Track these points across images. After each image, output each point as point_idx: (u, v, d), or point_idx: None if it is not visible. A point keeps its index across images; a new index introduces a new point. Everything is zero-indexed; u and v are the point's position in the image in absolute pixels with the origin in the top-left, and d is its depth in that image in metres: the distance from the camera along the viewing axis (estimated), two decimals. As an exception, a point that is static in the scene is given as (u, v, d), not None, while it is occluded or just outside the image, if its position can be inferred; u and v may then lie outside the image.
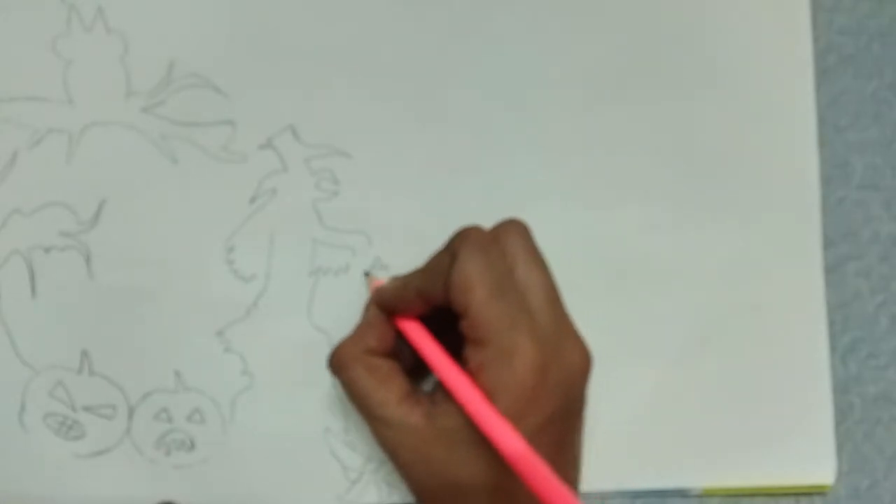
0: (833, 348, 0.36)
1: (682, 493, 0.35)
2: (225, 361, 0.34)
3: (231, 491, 0.34)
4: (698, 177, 0.36)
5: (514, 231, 0.30)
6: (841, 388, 0.36)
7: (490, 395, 0.27)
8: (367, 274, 0.34)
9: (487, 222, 0.35)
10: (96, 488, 0.33)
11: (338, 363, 0.31)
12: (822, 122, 0.37)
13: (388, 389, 0.29)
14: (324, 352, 0.34)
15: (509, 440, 0.26)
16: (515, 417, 0.27)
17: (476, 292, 0.28)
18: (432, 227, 0.34)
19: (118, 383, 0.33)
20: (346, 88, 0.35)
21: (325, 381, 0.34)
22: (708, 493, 0.35)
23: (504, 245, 0.29)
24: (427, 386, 0.33)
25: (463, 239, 0.29)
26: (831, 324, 0.36)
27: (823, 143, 0.37)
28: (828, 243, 0.37)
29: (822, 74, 0.37)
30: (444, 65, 0.35)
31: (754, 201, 0.36)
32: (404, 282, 0.31)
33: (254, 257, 0.34)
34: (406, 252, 0.34)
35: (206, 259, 0.34)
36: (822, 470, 0.35)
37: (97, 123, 0.34)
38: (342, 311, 0.34)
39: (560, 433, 0.28)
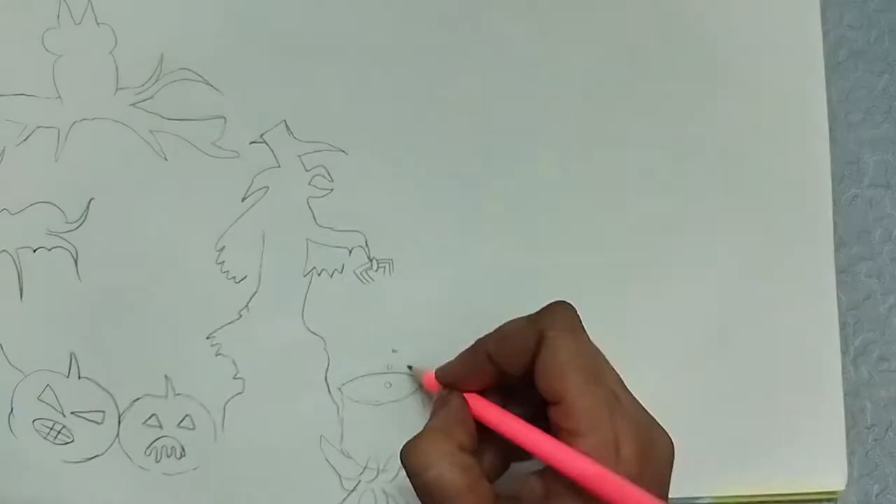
0: (844, 351, 0.36)
1: (691, 502, 0.35)
2: (216, 365, 0.34)
3: (222, 500, 0.34)
4: (707, 175, 0.36)
5: (577, 315, 0.28)
6: (852, 392, 0.36)
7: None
8: (410, 368, 0.34)
9: (487, 221, 0.35)
10: (85, 495, 0.33)
11: (421, 461, 0.27)
12: (833, 118, 0.37)
13: (478, 493, 0.27)
14: (319, 355, 0.34)
15: None
16: None
17: (573, 379, 0.27)
18: (430, 226, 0.35)
19: (107, 388, 0.34)
20: (341, 83, 0.35)
21: (320, 387, 0.34)
22: (718, 502, 0.35)
23: None
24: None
25: (551, 317, 0.28)
26: (843, 326, 0.36)
27: (834, 139, 0.37)
28: (840, 243, 0.37)
29: (833, 70, 0.37)
30: (442, 60, 0.35)
31: (765, 200, 0.36)
32: (473, 348, 0.30)
33: (246, 257, 0.34)
34: (404, 251, 0.35)
35: (196, 259, 0.34)
36: (832, 476, 0.35)
37: (86, 119, 0.34)
38: (337, 312, 0.34)
39: None
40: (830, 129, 0.36)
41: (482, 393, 0.30)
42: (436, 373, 0.31)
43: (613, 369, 0.29)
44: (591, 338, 0.29)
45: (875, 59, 0.38)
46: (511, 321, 0.29)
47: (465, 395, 0.30)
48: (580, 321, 0.28)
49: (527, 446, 0.28)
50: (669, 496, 0.35)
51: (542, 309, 0.29)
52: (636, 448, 0.26)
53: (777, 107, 0.36)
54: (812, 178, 0.36)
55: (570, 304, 0.28)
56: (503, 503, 0.27)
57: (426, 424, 0.29)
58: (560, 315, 0.28)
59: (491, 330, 0.33)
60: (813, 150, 0.36)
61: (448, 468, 0.27)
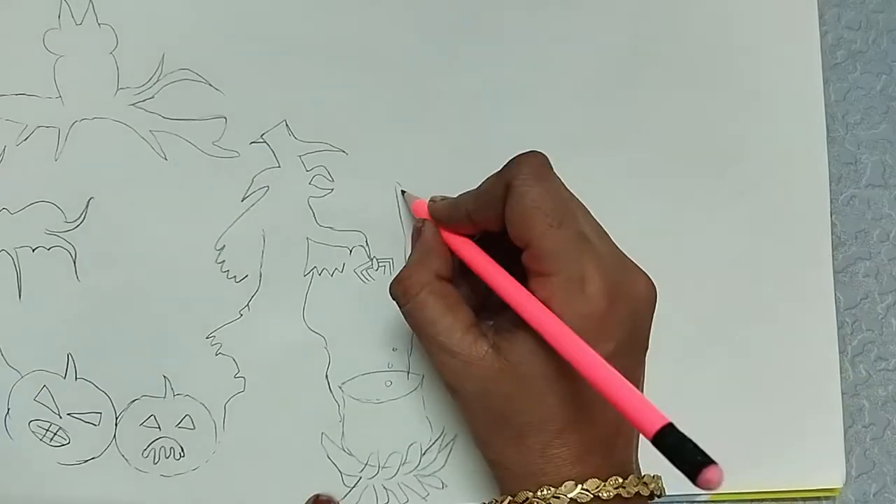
0: (842, 351, 0.37)
1: (689, 499, 0.36)
2: (216, 365, 0.34)
3: (223, 500, 0.34)
4: (705, 175, 0.37)
5: (547, 163, 0.30)
6: (850, 391, 0.37)
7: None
8: (403, 192, 0.35)
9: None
10: (81, 497, 0.34)
11: (405, 289, 0.30)
12: (831, 118, 0.38)
13: (455, 317, 0.29)
14: (320, 354, 0.35)
15: (592, 360, 0.26)
16: (590, 344, 0.26)
17: (537, 223, 0.28)
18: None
19: (104, 388, 0.34)
20: (341, 83, 0.35)
21: (321, 385, 0.35)
22: (716, 499, 0.36)
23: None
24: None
25: (517, 168, 0.29)
26: (841, 325, 0.37)
27: (832, 140, 0.38)
28: (837, 243, 0.38)
29: (831, 70, 0.38)
30: (442, 59, 0.36)
31: (762, 200, 0.37)
32: (455, 202, 0.31)
33: (246, 256, 0.35)
34: (403, 251, 0.35)
35: (196, 259, 0.34)
36: (831, 474, 0.36)
37: (86, 119, 0.34)
38: (338, 311, 0.35)
39: (626, 366, 0.28)
40: (828, 130, 0.37)
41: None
42: (428, 203, 0.32)
43: (587, 213, 0.30)
44: None
45: (873, 60, 0.38)
46: (486, 178, 0.31)
47: (455, 244, 0.31)
48: (549, 167, 0.29)
49: (488, 282, 0.30)
50: (668, 493, 0.36)
51: (510, 160, 0.30)
52: (604, 286, 0.28)
53: (775, 107, 0.37)
54: (810, 179, 0.37)
55: (538, 153, 0.29)
56: (478, 328, 0.30)
57: (409, 257, 0.32)
58: (526, 164, 0.29)
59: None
60: (811, 150, 0.37)
61: (426, 295, 0.30)
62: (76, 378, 0.34)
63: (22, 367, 0.34)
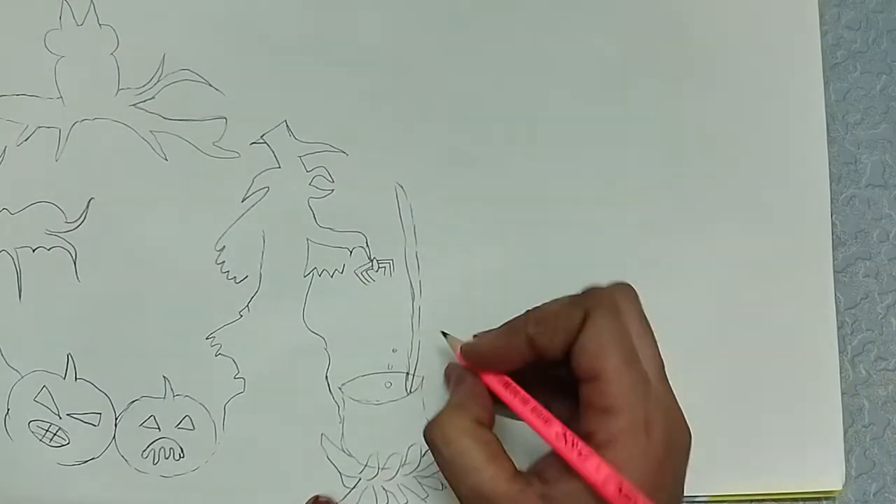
0: (842, 351, 0.38)
1: (688, 501, 0.36)
2: (216, 365, 0.35)
3: (222, 501, 0.35)
4: (704, 175, 0.37)
5: (628, 297, 0.29)
6: (850, 391, 0.38)
7: (621, 468, 0.27)
8: (445, 334, 0.34)
9: (487, 221, 0.36)
10: (80, 498, 0.34)
11: (442, 436, 0.29)
12: (831, 118, 0.38)
13: (500, 465, 0.28)
14: (319, 354, 0.35)
15: None
16: (648, 494, 0.26)
17: (613, 357, 0.28)
18: (430, 226, 0.36)
19: (104, 389, 0.34)
20: (342, 83, 0.36)
21: (321, 386, 0.35)
22: (715, 501, 0.36)
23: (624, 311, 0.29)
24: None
25: (597, 299, 0.29)
26: (841, 325, 0.37)
27: (832, 140, 0.38)
28: (837, 243, 0.38)
29: (831, 70, 0.39)
30: (442, 61, 0.36)
31: (762, 200, 0.37)
32: (510, 330, 0.30)
33: (246, 257, 0.35)
34: (403, 252, 0.36)
35: (196, 259, 0.35)
36: (830, 475, 0.36)
37: (87, 119, 0.35)
38: (338, 312, 0.35)
39: None
40: (828, 130, 0.38)
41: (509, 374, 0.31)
42: (462, 349, 0.32)
43: (657, 354, 0.29)
44: None
45: (873, 60, 0.39)
46: (552, 301, 0.30)
47: (492, 383, 0.31)
48: (629, 301, 0.29)
49: (539, 430, 0.29)
50: None
51: (588, 289, 0.30)
52: (664, 433, 0.28)
53: (775, 107, 0.37)
54: (810, 179, 0.37)
55: (628, 286, 0.30)
56: (524, 477, 0.28)
57: (447, 401, 0.31)
58: (607, 297, 0.29)
59: (486, 328, 0.34)
60: (811, 150, 0.37)
61: (468, 442, 0.29)
62: (76, 378, 0.34)
63: (22, 368, 0.34)
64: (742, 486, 0.36)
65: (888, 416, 0.38)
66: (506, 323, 0.31)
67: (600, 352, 0.28)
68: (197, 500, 0.35)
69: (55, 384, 0.34)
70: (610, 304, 0.29)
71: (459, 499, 0.29)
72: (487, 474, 0.28)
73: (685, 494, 0.36)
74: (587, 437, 0.28)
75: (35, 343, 0.34)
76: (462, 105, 0.36)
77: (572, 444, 0.28)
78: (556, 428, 0.29)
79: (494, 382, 0.31)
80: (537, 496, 0.28)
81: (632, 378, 0.28)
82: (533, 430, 0.29)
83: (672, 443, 0.28)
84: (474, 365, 0.31)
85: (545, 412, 0.29)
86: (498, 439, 0.29)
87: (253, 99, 0.35)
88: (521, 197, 0.36)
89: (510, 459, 0.29)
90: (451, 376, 0.32)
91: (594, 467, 0.27)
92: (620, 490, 0.26)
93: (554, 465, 0.29)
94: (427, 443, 0.30)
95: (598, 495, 0.27)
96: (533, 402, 0.30)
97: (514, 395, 0.30)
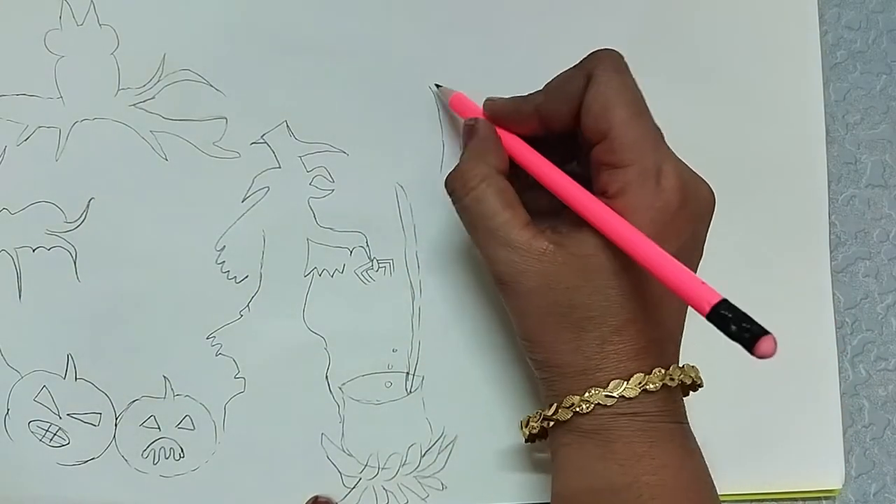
0: (842, 351, 0.38)
1: None
2: (216, 365, 0.35)
3: (222, 501, 0.35)
4: (704, 175, 0.36)
5: (624, 61, 0.30)
6: (850, 391, 0.38)
7: (630, 216, 0.28)
8: (438, 86, 0.35)
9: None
10: (80, 498, 0.35)
11: (463, 181, 0.30)
12: (830, 118, 0.38)
13: (515, 212, 0.30)
14: (320, 355, 0.36)
15: (650, 246, 0.27)
16: (655, 239, 0.27)
17: (618, 112, 0.28)
18: (430, 226, 0.36)
19: (104, 389, 0.35)
20: (342, 83, 0.36)
21: (321, 386, 0.35)
22: (715, 501, 0.37)
23: None
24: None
25: (598, 60, 0.30)
26: (841, 325, 0.38)
27: (832, 140, 0.38)
28: (837, 243, 0.38)
29: (831, 70, 0.39)
30: (443, 60, 0.36)
31: (761, 200, 0.37)
32: (522, 98, 0.32)
33: (246, 257, 0.35)
34: (403, 252, 0.36)
35: (196, 259, 0.35)
36: (830, 475, 0.37)
37: (87, 119, 0.35)
38: (338, 312, 0.36)
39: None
40: (828, 130, 0.38)
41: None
42: (485, 102, 0.33)
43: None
44: None
45: (873, 60, 0.39)
46: (558, 74, 0.31)
47: (503, 132, 0.32)
48: (625, 63, 0.30)
49: (546, 180, 0.30)
50: None
51: (589, 55, 0.30)
52: (678, 183, 0.28)
53: (775, 107, 0.38)
54: (809, 179, 0.37)
55: (615, 51, 0.30)
56: (536, 227, 0.30)
57: (464, 151, 0.32)
58: (608, 57, 0.30)
59: (487, 327, 0.35)
60: (810, 150, 0.38)
61: (486, 188, 0.30)
62: (76, 378, 0.35)
63: (22, 368, 0.35)
64: (742, 485, 0.37)
65: (888, 417, 0.38)
66: (522, 96, 0.32)
67: (606, 106, 0.29)
68: (197, 500, 0.35)
69: (55, 384, 0.35)
70: (611, 63, 0.30)
71: (476, 244, 0.31)
72: (503, 218, 0.29)
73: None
74: (600, 196, 0.29)
75: (35, 343, 0.35)
76: (462, 105, 0.37)
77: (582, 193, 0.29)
78: (565, 179, 0.30)
79: (509, 138, 0.32)
80: (550, 241, 0.29)
81: (640, 129, 0.29)
82: (544, 184, 0.30)
83: (688, 195, 0.29)
84: (490, 117, 0.32)
85: (555, 167, 0.30)
86: (513, 189, 0.30)
87: (253, 99, 0.36)
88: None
89: (524, 209, 0.30)
90: (466, 129, 0.33)
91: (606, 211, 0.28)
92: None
93: (564, 218, 0.30)
94: (448, 192, 0.31)
95: (607, 241, 0.28)
96: (544, 159, 0.31)
97: (527, 150, 0.31)
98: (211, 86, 0.36)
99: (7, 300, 0.35)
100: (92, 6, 0.35)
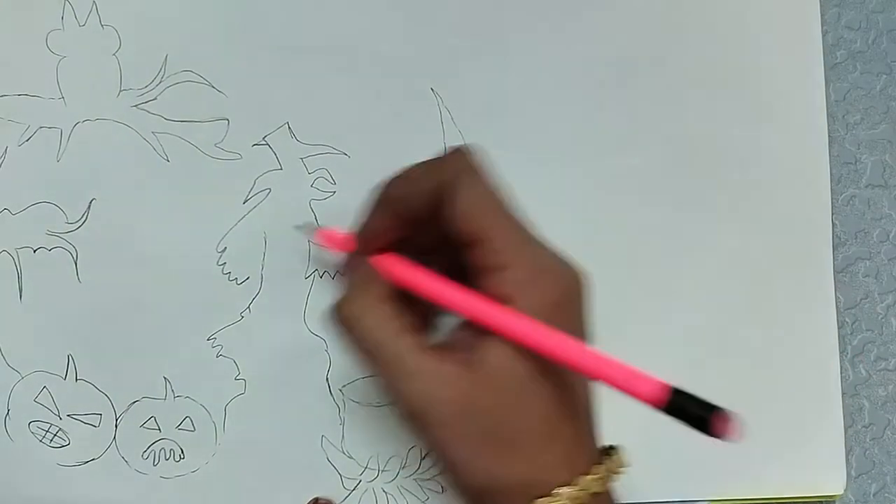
0: (842, 351, 0.38)
1: (690, 503, 0.37)
2: (217, 367, 0.36)
3: (223, 502, 0.35)
4: (706, 175, 0.38)
5: (481, 162, 0.29)
6: (850, 392, 0.38)
7: (535, 316, 0.27)
8: (299, 227, 0.34)
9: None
10: (80, 499, 0.35)
11: (346, 315, 0.28)
12: (831, 118, 0.39)
13: (413, 338, 0.27)
14: (320, 357, 0.36)
15: (577, 347, 0.26)
16: (566, 333, 0.26)
17: (491, 215, 0.27)
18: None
19: (104, 390, 0.35)
20: (343, 85, 0.36)
21: (322, 388, 0.36)
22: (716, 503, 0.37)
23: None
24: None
25: (457, 164, 0.28)
26: (841, 325, 0.38)
27: (832, 140, 0.39)
28: (837, 243, 0.39)
29: (831, 70, 0.39)
30: (445, 63, 0.37)
31: (762, 200, 0.38)
32: (379, 203, 0.30)
33: (247, 258, 0.36)
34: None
35: (197, 260, 0.35)
36: (831, 479, 0.37)
37: (88, 120, 0.35)
38: None
39: None
40: (828, 130, 0.38)
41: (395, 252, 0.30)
42: (356, 235, 0.31)
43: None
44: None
45: (873, 60, 0.40)
46: (408, 171, 0.30)
47: (382, 257, 0.30)
48: (482, 163, 0.29)
49: (443, 302, 0.29)
50: (668, 498, 0.37)
51: (442, 157, 0.29)
52: (556, 276, 0.28)
53: (776, 107, 0.38)
54: (810, 179, 0.38)
55: (468, 149, 0.29)
56: (440, 349, 0.28)
57: (346, 286, 0.30)
58: (467, 156, 0.29)
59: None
60: (811, 150, 0.38)
61: (375, 319, 0.28)
62: (76, 379, 0.35)
63: (22, 368, 0.35)
64: (741, 487, 0.37)
65: (888, 417, 0.38)
66: (374, 198, 0.30)
67: (478, 210, 0.28)
68: (197, 502, 0.35)
69: (55, 385, 0.35)
70: (474, 163, 0.29)
71: (379, 381, 0.28)
72: (400, 348, 0.27)
73: (686, 499, 0.37)
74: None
75: (35, 343, 0.35)
76: (462, 106, 0.37)
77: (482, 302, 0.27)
78: (459, 291, 0.28)
79: (390, 262, 0.30)
80: (457, 362, 0.27)
81: (515, 229, 0.28)
82: (436, 302, 0.29)
83: (567, 284, 0.28)
84: (362, 246, 0.31)
85: (444, 281, 0.29)
86: (408, 314, 0.29)
87: (255, 100, 0.36)
88: (521, 198, 0.36)
89: (419, 334, 0.28)
90: (344, 266, 0.32)
91: (514, 317, 0.27)
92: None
93: (466, 332, 0.28)
94: (334, 325, 0.29)
95: (516, 347, 0.27)
96: (432, 275, 0.29)
97: (413, 269, 0.29)
98: (213, 87, 0.36)
99: (8, 301, 0.35)
100: (94, 7, 0.35)
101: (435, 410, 0.27)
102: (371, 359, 0.28)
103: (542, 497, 0.27)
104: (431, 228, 0.29)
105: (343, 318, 0.29)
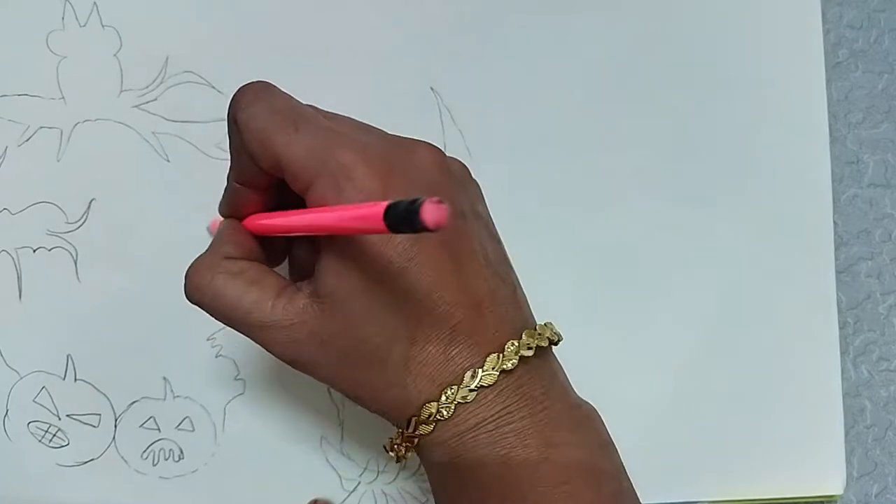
0: (844, 351, 0.38)
1: None
2: (216, 367, 0.36)
3: (222, 503, 0.36)
4: (707, 175, 0.38)
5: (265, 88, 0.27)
6: (852, 392, 0.38)
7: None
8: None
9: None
10: (79, 499, 0.35)
11: (196, 283, 0.28)
12: (833, 118, 0.39)
13: (261, 289, 0.27)
14: None
15: (317, 216, 0.25)
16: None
17: (274, 139, 0.26)
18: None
19: (103, 390, 0.35)
20: (343, 86, 0.37)
21: (321, 389, 0.36)
22: (717, 504, 0.37)
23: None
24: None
25: (235, 102, 0.27)
26: (843, 326, 0.38)
27: (834, 139, 0.39)
28: (839, 243, 0.39)
29: (833, 69, 0.39)
30: (444, 61, 0.37)
31: (764, 200, 0.38)
32: (226, 187, 0.29)
33: None
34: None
35: None
36: (831, 480, 0.37)
37: (89, 120, 0.36)
38: None
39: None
40: (830, 129, 0.38)
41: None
42: (219, 207, 0.30)
43: (334, 115, 0.28)
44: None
45: (875, 59, 0.40)
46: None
47: (255, 222, 0.29)
48: (268, 87, 0.28)
49: (280, 227, 0.28)
50: (667, 499, 0.37)
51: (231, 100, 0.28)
52: (371, 168, 0.26)
53: (777, 106, 0.38)
54: (812, 178, 0.38)
55: (257, 83, 0.27)
56: (297, 287, 0.27)
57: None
58: (241, 93, 0.27)
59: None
60: (813, 149, 0.38)
61: (221, 280, 0.27)
62: (76, 379, 0.35)
63: (21, 368, 0.35)
64: (741, 487, 0.37)
65: (890, 417, 0.39)
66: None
67: (261, 142, 0.26)
68: (196, 502, 0.36)
69: (55, 385, 0.35)
70: (248, 95, 0.27)
71: (248, 339, 0.28)
72: (249, 302, 0.27)
73: (686, 500, 0.37)
74: None
75: (35, 344, 0.35)
76: (462, 107, 0.37)
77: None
78: (290, 214, 0.27)
79: (252, 220, 0.29)
80: (306, 297, 0.27)
81: (305, 139, 0.26)
82: (283, 230, 0.28)
83: (391, 169, 0.26)
84: (234, 216, 0.30)
85: (295, 211, 0.28)
86: (257, 265, 0.28)
87: None
88: (521, 198, 0.37)
89: (276, 277, 0.28)
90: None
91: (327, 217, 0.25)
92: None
93: (321, 259, 0.27)
94: (189, 299, 0.29)
95: (346, 261, 0.26)
96: (280, 213, 0.28)
97: (263, 217, 0.29)
98: (213, 87, 0.36)
99: (7, 300, 0.35)
100: (95, 7, 0.36)
101: (301, 355, 0.27)
102: (228, 318, 0.28)
103: (451, 384, 0.26)
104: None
105: (192, 286, 0.28)
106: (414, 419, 0.27)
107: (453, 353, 0.26)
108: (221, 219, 0.30)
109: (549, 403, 0.27)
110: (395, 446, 0.28)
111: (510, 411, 0.26)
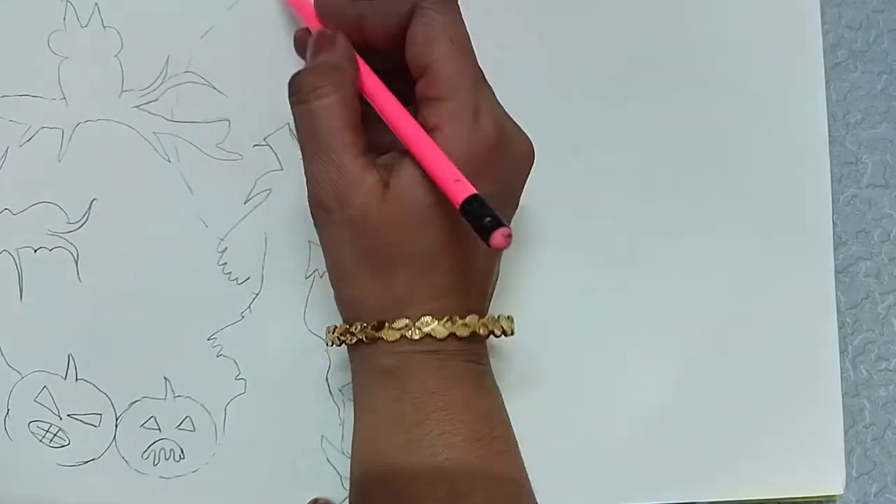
0: (843, 351, 0.39)
1: None
2: (217, 367, 0.36)
3: (223, 502, 0.36)
4: (707, 175, 0.38)
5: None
6: (851, 392, 0.39)
7: (445, 148, 0.27)
8: None
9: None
10: (80, 499, 0.35)
11: (312, 85, 0.28)
12: (831, 118, 0.39)
13: (356, 136, 0.28)
14: (320, 357, 0.36)
15: (429, 147, 0.27)
16: (469, 177, 0.27)
17: (439, 47, 0.28)
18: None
19: (104, 390, 0.36)
20: None
21: (322, 388, 0.36)
22: None
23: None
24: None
25: None
26: (841, 325, 0.39)
27: (833, 140, 0.39)
28: (838, 243, 0.39)
29: (832, 70, 0.40)
30: None
31: (763, 200, 0.38)
32: (350, 2, 0.30)
33: (248, 258, 0.36)
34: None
35: (198, 260, 0.36)
36: (831, 480, 0.37)
37: (90, 120, 0.36)
38: (339, 315, 0.36)
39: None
40: (829, 129, 0.38)
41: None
42: (323, 17, 0.31)
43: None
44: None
45: (874, 60, 0.40)
46: None
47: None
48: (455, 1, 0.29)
49: (378, 102, 0.29)
50: (667, 500, 0.37)
51: None
52: (495, 126, 0.28)
53: (776, 107, 0.38)
54: (811, 178, 0.38)
55: None
56: (372, 159, 0.29)
57: (315, 59, 0.30)
58: None
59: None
60: (812, 150, 0.38)
61: (335, 99, 0.28)
62: (77, 379, 0.36)
63: (22, 368, 0.36)
64: (741, 488, 0.37)
65: (889, 417, 0.39)
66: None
67: (429, 40, 0.28)
68: (197, 502, 0.36)
69: (56, 385, 0.36)
70: (447, 4, 0.29)
71: (303, 157, 0.29)
72: (342, 140, 0.28)
73: (686, 501, 0.37)
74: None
75: (36, 343, 0.36)
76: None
77: (414, 126, 0.28)
78: (395, 105, 0.29)
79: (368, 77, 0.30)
80: (378, 174, 0.28)
81: (460, 65, 0.28)
82: (374, 105, 0.29)
83: (505, 140, 0.29)
84: (320, 11, 0.31)
85: (390, 95, 0.29)
86: (364, 114, 0.29)
87: (256, 101, 0.36)
88: (526, 200, 0.36)
89: (366, 138, 0.29)
90: (320, 40, 0.31)
91: (434, 153, 0.27)
92: (457, 180, 0.27)
93: (396, 152, 0.29)
94: (290, 92, 0.29)
95: (424, 173, 0.28)
96: (382, 86, 0.30)
97: (368, 76, 0.30)
98: (214, 88, 0.37)
99: (8, 300, 0.36)
100: (96, 8, 0.36)
101: (341, 209, 0.28)
102: (310, 135, 0.29)
103: (407, 318, 0.29)
104: (393, 53, 0.30)
105: (304, 85, 0.29)
106: (387, 324, 0.29)
107: (442, 298, 0.29)
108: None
109: (489, 382, 0.31)
110: (349, 335, 0.30)
111: (445, 359, 0.29)
